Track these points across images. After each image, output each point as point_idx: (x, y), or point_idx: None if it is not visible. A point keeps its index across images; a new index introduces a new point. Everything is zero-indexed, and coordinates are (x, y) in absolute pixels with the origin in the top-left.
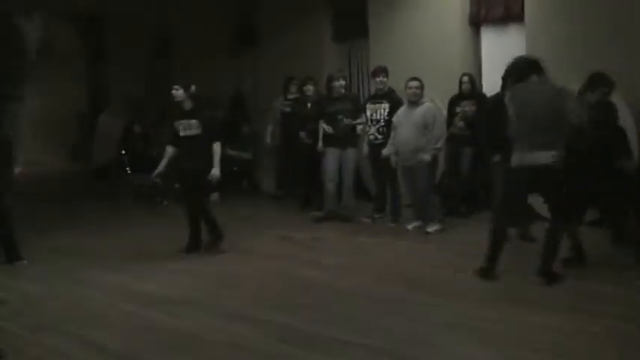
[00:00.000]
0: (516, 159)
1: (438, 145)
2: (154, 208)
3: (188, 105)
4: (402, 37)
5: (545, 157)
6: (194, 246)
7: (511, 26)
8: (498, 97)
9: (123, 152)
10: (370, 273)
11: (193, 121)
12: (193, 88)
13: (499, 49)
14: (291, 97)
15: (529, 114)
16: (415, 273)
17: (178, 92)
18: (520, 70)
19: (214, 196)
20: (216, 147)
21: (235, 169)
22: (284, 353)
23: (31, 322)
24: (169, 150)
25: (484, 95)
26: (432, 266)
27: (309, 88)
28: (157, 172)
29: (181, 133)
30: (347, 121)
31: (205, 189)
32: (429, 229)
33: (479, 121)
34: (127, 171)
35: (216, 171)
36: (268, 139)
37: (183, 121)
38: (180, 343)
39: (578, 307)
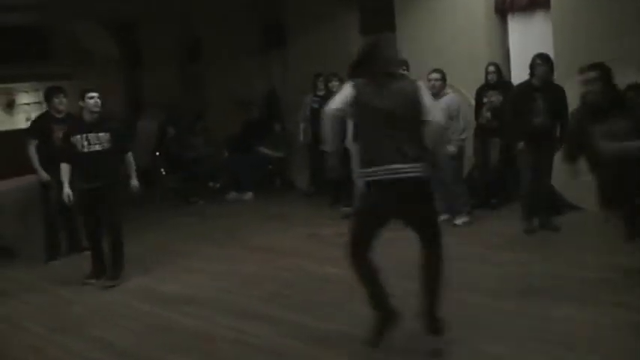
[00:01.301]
0: None
1: (463, 136)
2: (188, 208)
3: (94, 116)
4: (429, 28)
5: None
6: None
7: (538, 13)
8: (524, 85)
9: (157, 154)
10: (391, 268)
11: (102, 134)
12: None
13: (526, 37)
14: (320, 93)
15: None
16: None
17: (99, 101)
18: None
19: (248, 195)
20: (130, 158)
21: (270, 167)
22: (294, 351)
23: (53, 322)
24: (66, 167)
25: (511, 84)
26: (454, 259)
27: (334, 84)
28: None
29: (85, 149)
30: None
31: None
32: (457, 222)
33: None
34: (161, 172)
35: (135, 182)
36: (301, 137)
37: (90, 135)
38: (192, 342)
39: (592, 298)
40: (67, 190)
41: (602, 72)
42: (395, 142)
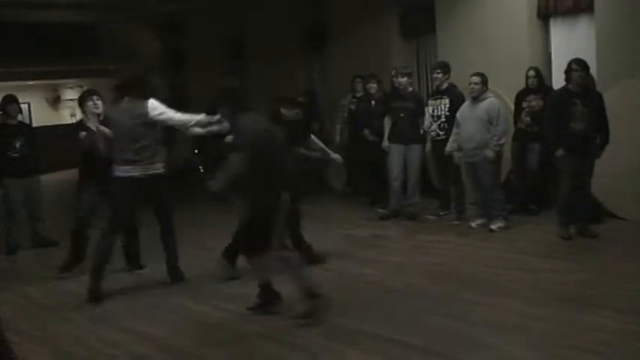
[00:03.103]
0: None
1: (502, 141)
2: (226, 205)
3: None
4: (470, 31)
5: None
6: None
7: (581, 18)
8: (562, 91)
9: (196, 152)
10: (425, 271)
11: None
12: None
13: (569, 42)
14: (357, 94)
15: None
16: (471, 272)
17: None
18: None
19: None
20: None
21: (307, 167)
22: (324, 349)
23: (93, 314)
24: None
25: (551, 89)
26: (488, 265)
27: (372, 86)
28: None
29: None
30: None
31: None
32: (493, 227)
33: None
34: (200, 170)
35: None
36: (338, 138)
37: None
38: (228, 337)
39: (627, 307)
40: None
41: None
42: None
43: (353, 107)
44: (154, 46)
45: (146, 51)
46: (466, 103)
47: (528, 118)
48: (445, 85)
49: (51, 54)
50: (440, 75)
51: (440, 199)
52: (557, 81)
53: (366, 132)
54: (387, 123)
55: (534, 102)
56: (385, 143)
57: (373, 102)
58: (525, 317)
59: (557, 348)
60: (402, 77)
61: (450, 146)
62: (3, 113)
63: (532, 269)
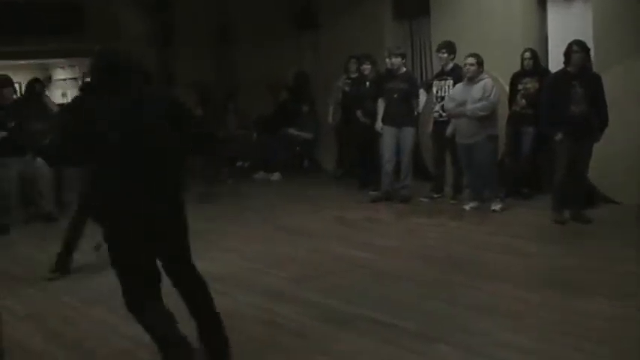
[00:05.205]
0: None
1: (481, 113)
2: (218, 187)
3: None
4: (464, 12)
5: None
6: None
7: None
8: (561, 73)
9: None
10: (418, 255)
11: None
12: None
13: (565, 24)
14: (352, 75)
15: None
16: (463, 255)
17: None
18: None
19: (276, 176)
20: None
21: (297, 148)
22: (318, 332)
23: (85, 295)
24: None
25: (548, 71)
26: (482, 249)
27: (366, 67)
28: None
29: None
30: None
31: None
32: (495, 207)
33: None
34: None
35: None
36: (330, 119)
37: None
38: None
39: (620, 292)
40: None
41: None
42: None
43: (347, 88)
44: (141, 24)
45: (135, 29)
46: (460, 84)
47: (523, 101)
48: (450, 66)
49: (41, 33)
50: (445, 55)
51: (433, 182)
52: (554, 63)
53: (359, 113)
54: (381, 104)
55: (530, 84)
56: (379, 125)
57: (367, 83)
58: (520, 302)
59: (553, 334)
60: (395, 58)
61: (450, 128)
62: None
63: (526, 253)
